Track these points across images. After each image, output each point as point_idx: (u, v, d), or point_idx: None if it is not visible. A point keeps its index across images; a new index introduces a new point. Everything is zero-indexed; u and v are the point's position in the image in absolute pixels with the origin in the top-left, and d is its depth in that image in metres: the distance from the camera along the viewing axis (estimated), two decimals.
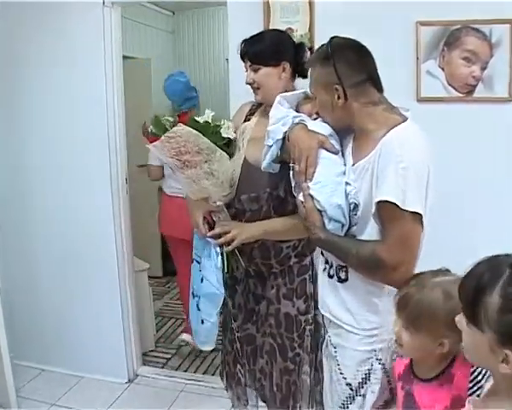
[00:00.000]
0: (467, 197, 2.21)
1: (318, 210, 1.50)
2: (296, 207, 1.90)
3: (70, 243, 2.92)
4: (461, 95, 2.22)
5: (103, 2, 2.66)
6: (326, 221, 1.50)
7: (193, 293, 1.98)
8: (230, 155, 1.88)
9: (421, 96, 2.24)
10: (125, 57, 2.89)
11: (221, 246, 1.87)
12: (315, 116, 1.65)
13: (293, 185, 1.63)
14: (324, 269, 1.64)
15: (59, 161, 2.86)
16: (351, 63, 1.48)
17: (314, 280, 2.00)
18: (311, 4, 2.30)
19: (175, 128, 1.73)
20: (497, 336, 0.96)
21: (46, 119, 2.84)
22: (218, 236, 1.87)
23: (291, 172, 1.61)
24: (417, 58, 2.23)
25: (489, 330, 0.97)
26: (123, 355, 2.98)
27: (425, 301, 1.28)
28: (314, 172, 1.53)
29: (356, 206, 1.48)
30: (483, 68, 2.19)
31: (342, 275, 1.54)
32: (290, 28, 2.33)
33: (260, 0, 2.35)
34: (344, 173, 1.54)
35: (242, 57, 1.92)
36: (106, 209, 2.83)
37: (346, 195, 1.50)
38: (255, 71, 1.89)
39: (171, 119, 1.82)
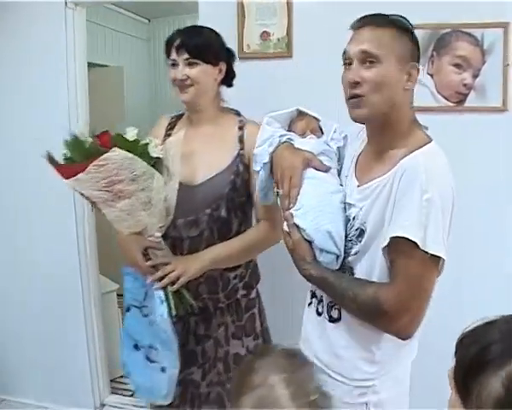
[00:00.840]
0: (460, 213, 2.03)
1: (307, 240, 1.30)
2: (241, 227, 1.76)
3: (31, 265, 2.70)
4: (451, 104, 2.06)
5: (65, 3, 2.46)
6: (317, 253, 1.30)
7: (136, 345, 1.71)
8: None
9: None
10: (95, 65, 2.70)
11: (164, 287, 1.62)
12: (309, 135, 1.47)
13: (282, 214, 1.41)
14: (310, 303, 1.43)
15: (17, 176, 2.65)
16: (419, 50, 1.31)
17: (262, 315, 1.83)
18: (288, 5, 2.12)
19: (107, 154, 1.45)
20: None
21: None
22: (161, 277, 1.62)
23: (278, 199, 1.42)
24: None
25: None
26: (89, 383, 2.76)
27: None
28: (298, 194, 1.34)
29: (362, 232, 1.27)
30: (475, 76, 2.04)
31: (334, 314, 1.33)
32: (266, 32, 2.15)
33: (234, 1, 2.16)
34: (339, 193, 1.35)
35: (176, 49, 1.70)
36: (68, 227, 2.61)
37: (349, 219, 1.30)
38: (191, 65, 1.69)
39: (90, 139, 1.53)
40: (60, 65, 2.48)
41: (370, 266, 1.25)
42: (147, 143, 1.56)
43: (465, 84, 2.05)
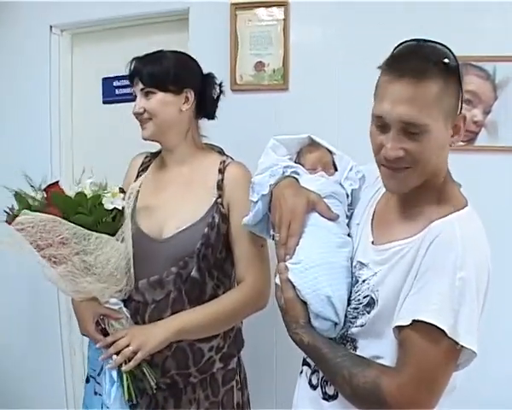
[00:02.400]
0: None
1: (302, 300, 1.11)
2: (219, 289, 1.51)
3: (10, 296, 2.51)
4: (461, 143, 1.90)
5: (50, 29, 2.33)
6: (312, 316, 1.11)
7: None
8: (122, 232, 1.41)
9: None
10: None
11: (119, 366, 1.38)
12: (320, 171, 1.27)
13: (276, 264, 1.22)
14: (301, 372, 1.24)
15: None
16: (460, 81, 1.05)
17: (243, 385, 1.58)
18: (285, 35, 1.97)
19: (20, 217, 1.29)
20: None
21: None
22: (114, 353, 1.38)
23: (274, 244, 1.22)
24: None
25: None
26: None
27: None
28: (296, 244, 1.14)
29: (372, 302, 1.07)
30: (486, 112, 1.89)
31: (329, 390, 1.14)
32: (260, 62, 2.00)
33: (226, 29, 2.02)
34: (346, 247, 1.16)
35: (132, 78, 1.52)
36: None
37: (357, 280, 1.11)
38: (147, 96, 1.49)
39: (38, 195, 1.37)
40: (44, 95, 2.34)
41: (378, 344, 1.06)
42: (99, 196, 1.36)
43: (475, 122, 1.90)
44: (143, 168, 1.63)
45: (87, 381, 1.53)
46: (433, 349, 0.96)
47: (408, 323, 0.98)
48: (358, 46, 1.95)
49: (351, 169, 1.29)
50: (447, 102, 1.01)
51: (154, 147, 1.67)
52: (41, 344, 2.39)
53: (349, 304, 1.12)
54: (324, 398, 1.15)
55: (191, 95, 1.52)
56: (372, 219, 1.17)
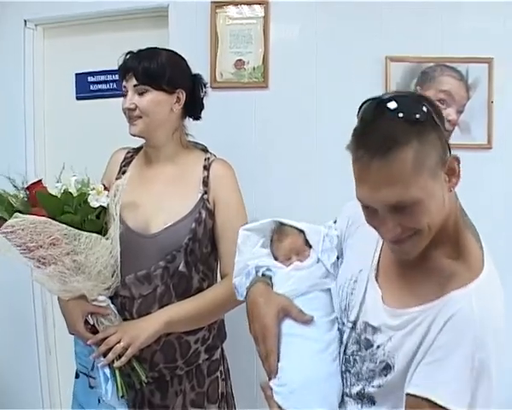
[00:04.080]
0: None
1: None
2: (204, 283, 1.52)
3: None
4: None
5: (25, 23, 2.28)
6: None
7: None
8: (107, 230, 1.40)
9: None
10: None
11: (111, 363, 1.39)
12: (295, 262, 1.20)
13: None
14: None
15: None
16: (441, 116, 0.96)
17: (226, 376, 1.60)
18: (265, 33, 1.99)
19: (11, 220, 1.27)
20: None
21: None
22: (105, 350, 1.38)
23: None
24: None
25: None
26: None
27: None
28: (277, 360, 1.10)
29: (389, 367, 1.01)
30: (459, 112, 1.96)
31: None
32: (240, 60, 2.01)
33: (206, 27, 2.03)
34: (329, 346, 1.11)
35: (125, 73, 1.50)
36: None
37: (371, 344, 1.05)
38: (141, 94, 1.48)
39: (20, 194, 1.35)
40: (17, 88, 2.29)
41: (398, 401, 1.01)
42: (84, 193, 1.35)
43: (449, 121, 1.96)
44: (126, 164, 1.62)
45: (77, 376, 1.52)
46: None
47: (421, 395, 0.94)
48: (338, 45, 1.99)
49: (323, 240, 1.23)
50: (429, 159, 0.91)
51: (131, 143, 1.66)
52: (16, 344, 2.34)
53: (363, 363, 1.07)
54: None
55: (183, 95, 1.53)
56: (377, 272, 1.09)
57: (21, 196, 1.39)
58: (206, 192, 1.52)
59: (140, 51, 1.51)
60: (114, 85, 2.25)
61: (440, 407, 0.92)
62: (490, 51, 1.93)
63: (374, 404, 1.06)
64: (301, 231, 1.24)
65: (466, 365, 0.91)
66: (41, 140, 2.31)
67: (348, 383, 1.10)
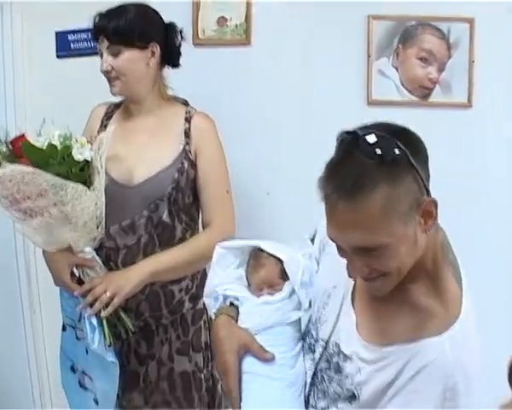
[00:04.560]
0: None
1: None
2: (187, 233, 1.56)
3: None
4: (415, 98, 1.98)
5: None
6: None
7: (72, 367, 1.53)
8: (91, 183, 1.42)
9: (372, 98, 1.98)
10: None
11: (98, 313, 1.42)
12: (265, 295, 1.17)
13: None
14: None
15: None
16: (422, 157, 0.90)
17: (209, 326, 1.63)
18: None
19: None
20: None
21: None
22: (92, 301, 1.42)
23: None
24: (368, 56, 1.97)
25: None
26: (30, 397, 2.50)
27: None
28: (240, 400, 1.09)
29: (354, 397, 1.01)
30: (440, 70, 1.97)
31: None
32: (223, 17, 1.99)
33: None
34: (291, 387, 1.09)
35: (97, 35, 1.51)
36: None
37: (339, 369, 1.04)
38: (115, 55, 1.49)
39: (3, 147, 1.36)
40: None
41: None
42: (68, 146, 1.37)
43: (430, 79, 1.97)
44: (107, 118, 1.64)
45: (63, 329, 1.55)
46: None
47: None
48: (320, 3, 1.97)
49: (302, 274, 1.17)
50: (401, 204, 0.87)
51: (112, 99, 1.67)
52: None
53: (330, 383, 1.06)
54: None
55: (157, 49, 1.54)
56: (353, 299, 1.06)
57: (3, 149, 1.39)
58: (187, 143, 1.55)
59: (109, 11, 1.51)
60: (96, 44, 2.22)
61: None
62: (472, 11, 1.93)
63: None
64: (279, 260, 1.18)
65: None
66: (20, 97, 2.28)
67: (315, 397, 1.10)
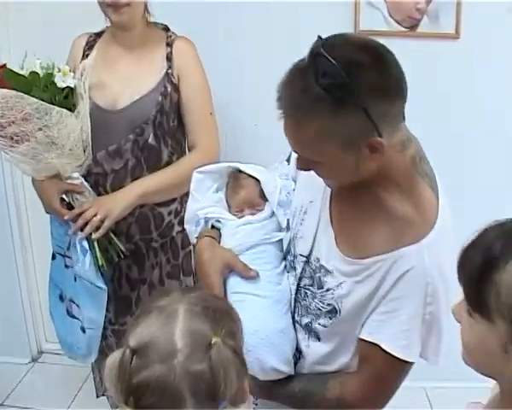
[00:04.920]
0: None
1: None
2: (173, 157, 1.58)
3: None
4: (403, 29, 1.97)
5: None
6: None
7: (60, 296, 1.58)
8: (75, 109, 1.44)
9: (359, 29, 1.96)
10: None
11: (89, 236, 1.45)
12: (247, 215, 1.18)
13: None
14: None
15: None
16: (385, 92, 0.90)
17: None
18: None
19: None
20: None
21: None
22: (83, 224, 1.45)
23: None
24: None
25: (501, 319, 0.70)
26: (24, 329, 2.55)
27: None
28: None
29: (335, 311, 1.05)
30: (428, 1, 1.95)
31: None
32: None
33: None
34: (279, 304, 1.12)
35: None
36: None
37: (321, 285, 1.07)
38: None
39: None
40: None
41: (340, 343, 1.08)
42: (50, 74, 1.37)
43: (418, 9, 1.96)
44: (89, 47, 1.64)
45: (53, 258, 1.58)
46: (394, 369, 1.02)
47: (373, 342, 1.00)
48: None
49: (280, 193, 1.19)
50: (339, 134, 0.89)
51: (92, 28, 1.68)
52: None
53: (313, 299, 1.10)
54: None
55: None
56: (331, 216, 1.08)
57: None
58: (170, 67, 1.56)
59: None
60: None
61: (391, 355, 0.99)
62: None
63: (319, 340, 1.10)
64: (258, 181, 1.20)
65: (417, 318, 0.98)
66: (4, 30, 2.24)
67: (299, 313, 1.13)
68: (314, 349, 1.11)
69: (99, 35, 1.66)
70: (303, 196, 1.15)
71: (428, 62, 1.96)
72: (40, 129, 1.36)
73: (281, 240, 1.18)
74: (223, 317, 0.75)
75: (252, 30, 2.00)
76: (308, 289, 1.11)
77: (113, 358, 0.70)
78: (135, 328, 0.73)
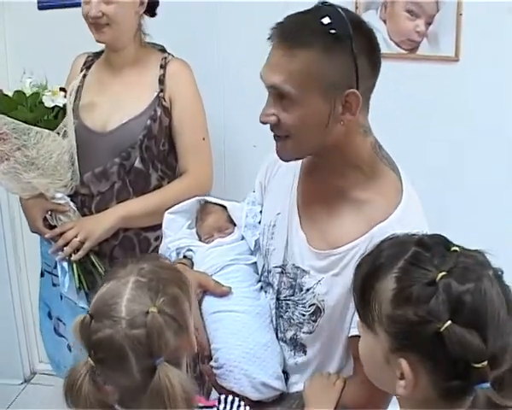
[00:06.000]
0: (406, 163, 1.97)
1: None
2: (163, 181, 1.57)
3: None
4: (403, 51, 1.97)
5: None
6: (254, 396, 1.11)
7: (49, 313, 1.58)
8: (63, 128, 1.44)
9: None
10: None
11: (69, 257, 1.45)
12: (216, 239, 1.20)
13: None
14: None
15: None
16: (370, 58, 0.97)
17: None
18: None
19: None
20: (391, 338, 0.69)
21: None
22: (63, 245, 1.44)
23: None
24: (356, 7, 1.94)
25: (381, 330, 0.70)
26: (17, 351, 2.51)
27: None
28: (207, 339, 1.11)
29: (319, 311, 1.04)
30: (428, 23, 1.95)
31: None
32: None
33: None
34: (261, 317, 1.11)
35: None
36: None
37: (301, 288, 1.07)
38: (107, 1, 1.47)
39: None
40: None
41: (329, 349, 1.07)
42: (37, 93, 1.38)
43: (418, 32, 1.96)
44: (86, 67, 1.64)
45: (41, 275, 1.57)
46: None
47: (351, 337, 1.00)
48: None
49: (246, 216, 1.23)
50: (325, 74, 0.93)
51: (94, 48, 1.67)
52: None
53: (296, 307, 1.09)
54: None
55: None
56: (299, 213, 1.10)
57: None
58: (162, 90, 1.55)
59: None
60: None
61: None
62: None
63: (305, 354, 1.09)
64: (224, 209, 1.24)
65: None
66: (2, 49, 2.23)
67: (282, 329, 1.12)
68: (301, 367, 1.10)
69: (98, 55, 1.65)
70: (270, 211, 1.17)
71: (428, 85, 1.96)
72: (19, 149, 1.37)
73: (255, 263, 1.20)
74: (166, 286, 0.86)
75: (250, 53, 1.98)
76: (289, 300, 1.10)
77: (79, 319, 0.85)
78: (96, 295, 0.89)
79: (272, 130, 1.01)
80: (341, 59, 0.93)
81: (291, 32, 0.94)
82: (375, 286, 0.71)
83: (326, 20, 0.92)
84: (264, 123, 1.01)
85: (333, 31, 0.92)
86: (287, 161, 1.07)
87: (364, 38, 0.96)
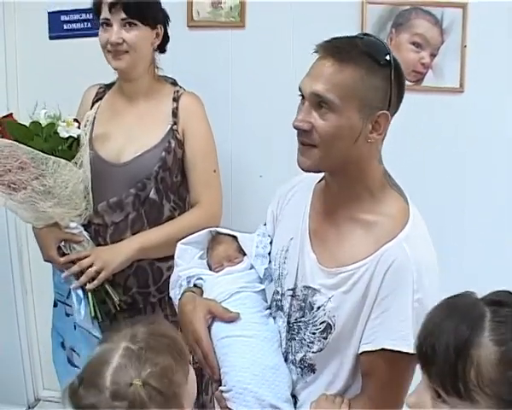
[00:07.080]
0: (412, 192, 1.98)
1: None
2: (175, 212, 1.57)
3: None
4: (408, 83, 1.99)
5: None
6: None
7: (62, 344, 1.56)
8: (78, 159, 1.46)
9: None
10: None
11: (84, 286, 1.45)
12: (226, 268, 1.22)
13: None
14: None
15: None
16: (399, 88, 1.05)
17: None
18: None
19: None
20: (497, 401, 0.68)
21: None
22: (79, 273, 1.44)
23: None
24: None
25: (482, 397, 0.68)
26: (21, 377, 2.50)
27: None
28: (217, 363, 1.12)
29: (330, 327, 1.07)
30: (433, 55, 1.98)
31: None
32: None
33: None
34: (271, 342, 1.13)
35: (110, 7, 1.49)
36: None
37: (312, 306, 1.08)
38: (128, 29, 1.49)
39: None
40: None
41: (338, 366, 1.08)
42: (53, 124, 1.39)
43: (423, 64, 1.99)
44: (98, 99, 1.66)
45: (55, 305, 1.57)
46: (397, 367, 1.02)
47: (375, 349, 1.02)
48: None
49: (257, 246, 1.25)
50: (366, 92, 1.01)
51: (104, 80, 1.70)
52: None
53: (307, 328, 1.11)
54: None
55: (161, 30, 1.58)
56: (310, 235, 1.14)
57: None
58: (175, 123, 1.57)
59: None
60: (88, 25, 2.21)
61: (393, 352, 1.00)
62: None
63: (313, 372, 1.11)
64: (235, 239, 1.26)
65: (407, 308, 1.01)
66: (13, 79, 2.26)
67: (293, 351, 1.14)
68: (310, 383, 1.12)
69: (109, 87, 1.67)
70: (283, 237, 1.20)
71: (433, 116, 1.98)
72: (37, 178, 1.38)
73: (263, 290, 1.21)
74: (157, 356, 0.83)
75: (258, 85, 2.03)
76: (300, 322, 1.13)
77: (69, 382, 0.85)
78: (87, 358, 0.88)
79: (300, 137, 1.06)
80: (381, 83, 1.02)
81: (342, 49, 1.02)
82: (470, 354, 0.70)
83: (370, 47, 1.03)
84: (297, 128, 1.05)
85: (376, 55, 1.02)
86: (307, 171, 1.09)
87: (398, 69, 1.05)
